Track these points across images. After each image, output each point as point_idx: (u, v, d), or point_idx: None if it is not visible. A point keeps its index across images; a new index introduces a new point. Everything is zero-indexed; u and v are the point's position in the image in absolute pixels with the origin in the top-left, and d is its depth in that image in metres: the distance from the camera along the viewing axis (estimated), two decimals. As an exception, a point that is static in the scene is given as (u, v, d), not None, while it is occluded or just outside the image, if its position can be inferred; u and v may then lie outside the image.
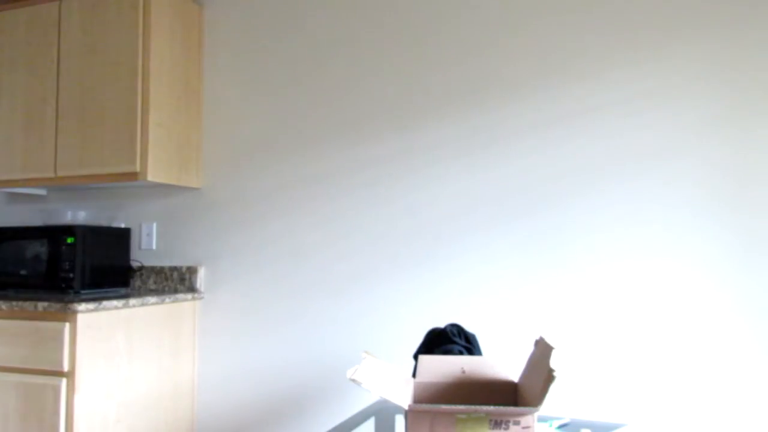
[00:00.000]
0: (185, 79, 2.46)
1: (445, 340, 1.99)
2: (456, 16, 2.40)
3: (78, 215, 2.52)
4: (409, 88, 2.45)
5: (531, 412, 0.85)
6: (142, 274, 2.56)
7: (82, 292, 2.18)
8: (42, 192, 2.75)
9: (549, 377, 0.84)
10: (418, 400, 1.06)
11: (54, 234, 2.21)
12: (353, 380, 0.88)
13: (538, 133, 2.27)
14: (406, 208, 2.43)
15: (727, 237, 2.05)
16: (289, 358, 2.59)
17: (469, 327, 2.10)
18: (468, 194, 2.35)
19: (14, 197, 2.86)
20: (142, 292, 2.34)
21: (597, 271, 2.18)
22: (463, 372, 1.09)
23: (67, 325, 1.86)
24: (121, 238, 2.41)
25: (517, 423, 0.85)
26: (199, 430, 2.49)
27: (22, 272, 2.25)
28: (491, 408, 0.86)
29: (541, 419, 1.17)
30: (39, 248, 2.23)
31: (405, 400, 0.95)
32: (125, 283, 2.41)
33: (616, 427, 1.09)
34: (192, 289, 2.56)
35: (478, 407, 0.86)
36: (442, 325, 2.10)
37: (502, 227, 2.29)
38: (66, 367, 1.85)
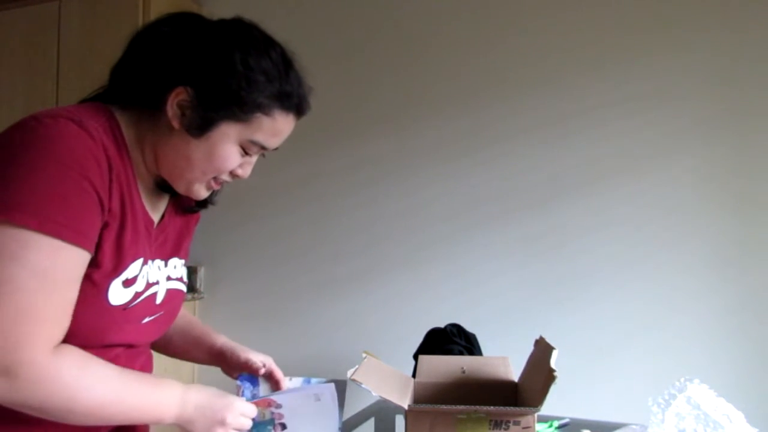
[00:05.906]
0: (185, 79, 2.47)
1: (445, 340, 1.99)
2: (455, 17, 2.40)
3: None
4: (408, 89, 2.45)
5: (531, 412, 0.86)
6: (142, 274, 2.56)
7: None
8: (42, 192, 2.74)
9: (549, 377, 0.84)
10: (418, 400, 1.06)
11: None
12: (353, 380, 0.89)
13: (539, 133, 2.26)
14: (406, 207, 2.42)
15: (726, 237, 2.05)
16: (288, 358, 2.58)
17: (469, 327, 2.10)
18: (468, 194, 2.35)
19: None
20: (142, 292, 2.34)
21: (597, 270, 2.18)
22: (463, 372, 1.09)
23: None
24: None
25: (517, 423, 0.85)
26: (199, 430, 2.48)
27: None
28: (491, 408, 0.86)
29: (541, 419, 1.17)
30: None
31: (405, 400, 0.95)
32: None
33: (616, 426, 1.09)
34: (192, 289, 2.56)
35: (478, 407, 0.86)
36: (442, 325, 2.10)
37: (502, 227, 2.29)
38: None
